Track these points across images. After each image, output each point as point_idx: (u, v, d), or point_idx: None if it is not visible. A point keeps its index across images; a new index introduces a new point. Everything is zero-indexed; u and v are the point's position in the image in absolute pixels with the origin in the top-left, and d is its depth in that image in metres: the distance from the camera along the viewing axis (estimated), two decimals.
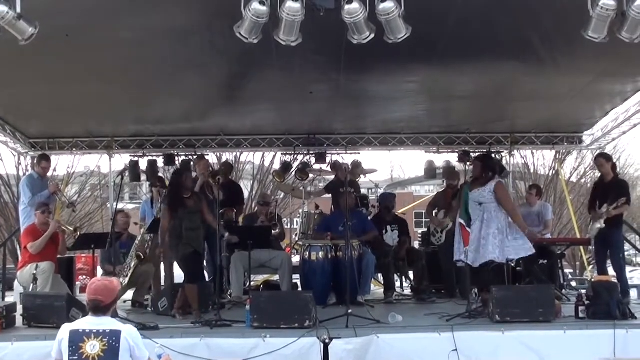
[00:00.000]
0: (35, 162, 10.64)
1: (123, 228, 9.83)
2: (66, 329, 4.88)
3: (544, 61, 8.39)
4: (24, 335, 7.04)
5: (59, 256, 9.23)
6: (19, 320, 7.61)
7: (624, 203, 8.84)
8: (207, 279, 9.28)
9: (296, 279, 10.07)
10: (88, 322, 4.88)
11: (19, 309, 7.76)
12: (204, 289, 8.45)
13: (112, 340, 4.77)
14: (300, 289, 9.64)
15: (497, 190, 8.08)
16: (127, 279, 9.26)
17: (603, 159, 9.44)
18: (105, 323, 4.86)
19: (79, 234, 9.59)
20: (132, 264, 9.37)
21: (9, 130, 11.47)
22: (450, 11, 6.98)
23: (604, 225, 8.96)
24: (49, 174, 11.28)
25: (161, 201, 9.33)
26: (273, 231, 9.95)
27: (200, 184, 9.22)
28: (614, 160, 9.82)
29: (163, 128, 12.15)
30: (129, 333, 4.88)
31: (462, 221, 8.01)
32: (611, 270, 9.40)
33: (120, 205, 12.22)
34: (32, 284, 8.47)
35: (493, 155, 11.67)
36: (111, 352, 4.75)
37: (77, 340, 4.77)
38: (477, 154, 11.36)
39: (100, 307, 4.90)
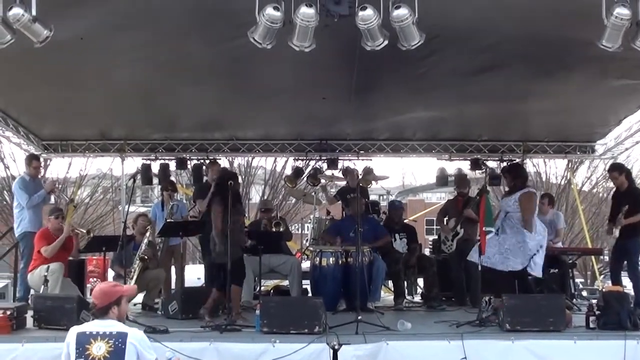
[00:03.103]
0: (25, 163, 10.27)
1: (142, 232, 9.83)
2: (73, 331, 4.93)
3: (556, 67, 8.40)
4: (34, 337, 7.04)
5: (71, 258, 9.29)
6: (29, 321, 7.63)
7: (632, 212, 8.77)
8: None
9: (306, 284, 10.06)
10: (95, 325, 4.93)
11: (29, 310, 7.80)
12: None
13: (118, 342, 4.80)
14: (310, 294, 9.63)
15: (521, 199, 8.08)
16: (132, 282, 9.25)
17: (616, 172, 9.36)
18: (112, 325, 4.89)
19: (92, 235, 9.62)
20: (137, 266, 9.37)
21: (23, 132, 11.53)
22: (460, 20, 6.99)
23: (617, 235, 8.90)
24: (60, 174, 11.24)
25: (209, 199, 9.05)
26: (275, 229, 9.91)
27: (213, 190, 9.17)
28: (628, 169, 9.72)
29: (175, 132, 12.20)
30: (135, 336, 4.90)
31: (490, 229, 7.96)
32: (626, 281, 9.31)
33: (132, 209, 12.25)
34: (42, 286, 8.52)
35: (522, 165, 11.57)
36: (117, 353, 4.77)
37: (83, 342, 4.82)
38: (504, 166, 11.36)
39: (95, 310, 4.99)
